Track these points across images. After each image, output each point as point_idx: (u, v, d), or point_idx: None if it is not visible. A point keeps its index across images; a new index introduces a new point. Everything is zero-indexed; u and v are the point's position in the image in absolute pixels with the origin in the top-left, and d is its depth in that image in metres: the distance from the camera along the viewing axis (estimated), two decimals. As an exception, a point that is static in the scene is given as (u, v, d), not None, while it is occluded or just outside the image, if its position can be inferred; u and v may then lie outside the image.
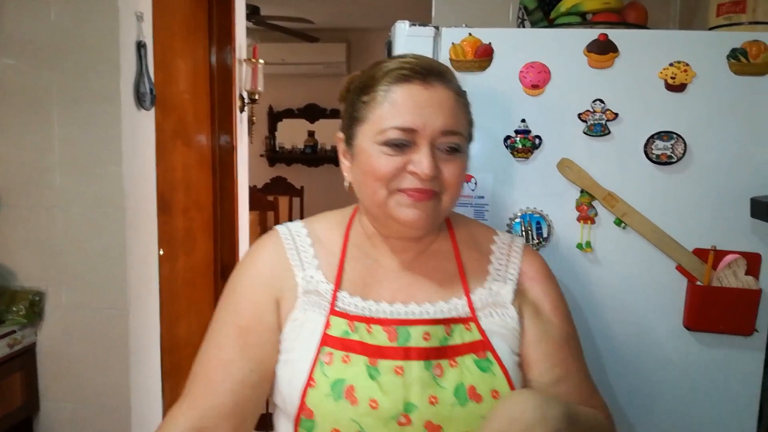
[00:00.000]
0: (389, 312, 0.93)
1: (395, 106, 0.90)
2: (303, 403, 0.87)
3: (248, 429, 0.94)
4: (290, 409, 0.90)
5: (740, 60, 1.30)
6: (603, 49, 1.32)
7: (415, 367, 0.88)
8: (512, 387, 0.90)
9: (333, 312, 0.92)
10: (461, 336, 0.91)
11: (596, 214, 1.36)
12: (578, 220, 1.37)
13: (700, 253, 1.34)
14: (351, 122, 0.95)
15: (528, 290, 1.00)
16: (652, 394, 1.40)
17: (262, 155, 6.19)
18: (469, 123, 0.97)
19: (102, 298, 2.04)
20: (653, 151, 1.33)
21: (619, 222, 1.36)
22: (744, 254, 1.33)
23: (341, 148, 0.99)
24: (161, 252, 2.35)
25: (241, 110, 3.20)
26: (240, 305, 0.95)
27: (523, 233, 1.37)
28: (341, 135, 0.99)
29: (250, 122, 3.41)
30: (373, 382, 0.87)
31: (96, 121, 1.98)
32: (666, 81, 1.32)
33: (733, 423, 1.39)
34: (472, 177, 1.38)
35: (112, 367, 2.06)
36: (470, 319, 0.93)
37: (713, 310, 1.33)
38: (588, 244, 1.37)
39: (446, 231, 1.04)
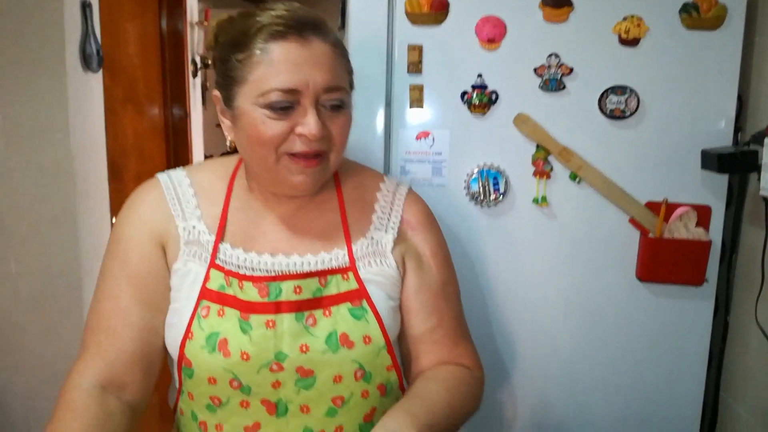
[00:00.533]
0: (270, 264, 0.94)
1: (274, 67, 0.87)
2: (182, 353, 0.91)
3: (157, 371, 0.97)
4: (173, 355, 0.94)
5: (692, 14, 1.31)
6: (558, 2, 1.31)
7: (287, 319, 0.91)
8: (384, 332, 0.94)
9: (213, 265, 0.94)
10: (337, 286, 0.94)
11: (552, 169, 1.37)
12: (534, 175, 1.38)
13: (653, 206, 1.37)
14: (227, 82, 0.91)
15: (409, 238, 1.02)
16: (605, 344, 1.44)
17: (218, 125, 6.06)
18: (349, 73, 0.96)
19: (54, 266, 1.98)
20: (607, 106, 1.34)
21: (574, 176, 1.37)
22: (694, 206, 1.36)
23: (219, 107, 0.96)
24: (114, 220, 2.29)
25: (194, 75, 3.11)
26: (129, 254, 0.95)
27: (481, 189, 1.37)
28: (217, 94, 0.95)
29: (204, 89, 3.32)
30: (244, 336, 0.90)
31: (41, 84, 1.90)
32: (620, 35, 1.32)
33: (684, 370, 1.43)
34: (430, 133, 1.37)
35: (65, 337, 2.00)
36: (348, 269, 0.95)
37: (665, 261, 1.36)
38: (544, 198, 1.38)
39: (332, 181, 1.03)
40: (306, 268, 0.94)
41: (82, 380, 0.90)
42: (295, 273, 0.94)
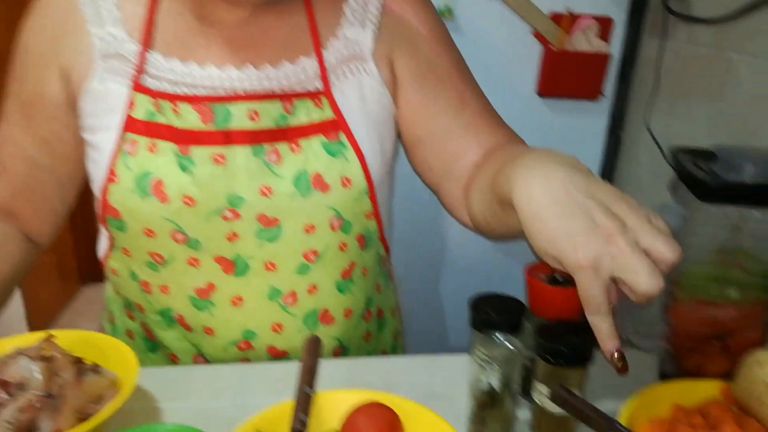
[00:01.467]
0: (217, 78, 0.74)
1: None
2: (105, 201, 0.74)
3: (56, 211, 0.85)
4: (97, 203, 0.79)
5: None
6: None
7: (241, 153, 0.73)
8: (367, 173, 0.77)
9: (137, 87, 0.75)
10: (308, 114, 0.75)
11: (458, -22, 1.32)
12: (439, -16, 1.32)
13: (557, 19, 1.35)
14: None
15: (396, 26, 0.79)
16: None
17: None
18: None
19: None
20: None
21: (480, -14, 1.32)
22: (597, 18, 1.35)
23: None
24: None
25: None
26: (25, 72, 0.80)
27: (383, -1, 1.31)
28: None
29: None
30: (185, 175, 0.72)
31: None
32: None
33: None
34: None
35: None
36: (321, 93, 0.75)
37: (565, 74, 1.37)
38: (449, 10, 1.33)
39: None
40: (265, 85, 0.74)
41: None
42: (250, 93, 0.74)
